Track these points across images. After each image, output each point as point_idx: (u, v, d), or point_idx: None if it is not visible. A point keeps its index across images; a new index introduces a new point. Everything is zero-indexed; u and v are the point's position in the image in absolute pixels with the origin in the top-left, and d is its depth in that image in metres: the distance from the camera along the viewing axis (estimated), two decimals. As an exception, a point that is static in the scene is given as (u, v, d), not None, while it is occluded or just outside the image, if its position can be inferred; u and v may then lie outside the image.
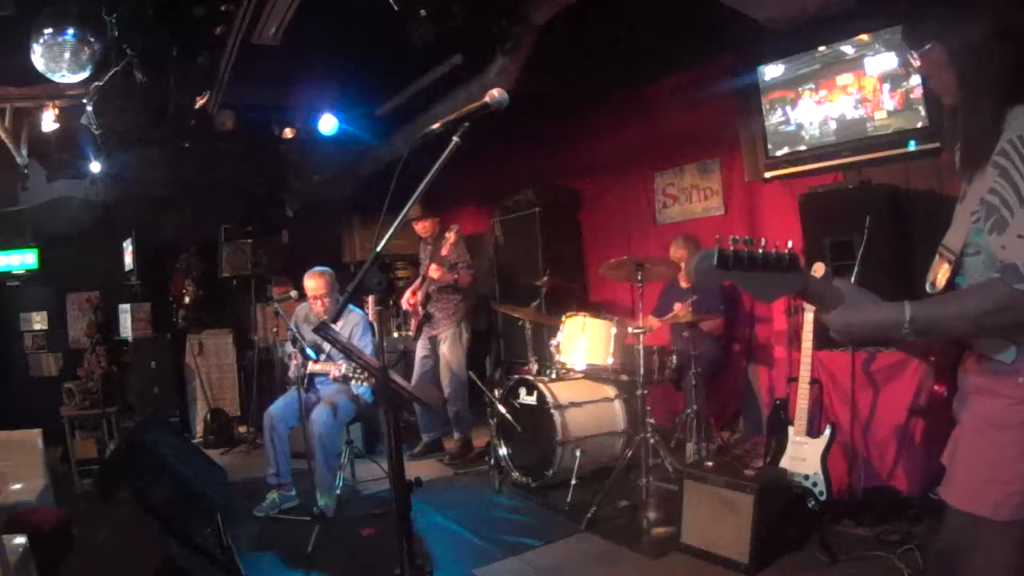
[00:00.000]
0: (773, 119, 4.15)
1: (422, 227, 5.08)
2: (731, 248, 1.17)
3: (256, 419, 5.76)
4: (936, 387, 1.47)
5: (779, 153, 4.16)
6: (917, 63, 1.41)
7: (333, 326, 1.82)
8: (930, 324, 1.25)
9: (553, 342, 4.28)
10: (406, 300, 5.10)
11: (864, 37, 3.67)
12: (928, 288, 1.41)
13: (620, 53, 4.70)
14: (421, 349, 5.05)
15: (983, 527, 1.28)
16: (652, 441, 3.56)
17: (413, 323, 5.11)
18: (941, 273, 1.38)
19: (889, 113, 3.64)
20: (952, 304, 1.29)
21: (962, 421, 1.39)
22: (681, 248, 4.53)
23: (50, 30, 3.26)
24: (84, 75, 3.50)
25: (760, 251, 1.18)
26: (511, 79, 4.13)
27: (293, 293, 4.21)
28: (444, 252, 4.70)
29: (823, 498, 3.09)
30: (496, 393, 4.26)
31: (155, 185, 6.32)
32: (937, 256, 1.41)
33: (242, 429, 6.16)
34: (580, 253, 6.25)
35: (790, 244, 1.21)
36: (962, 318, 1.25)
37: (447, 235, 4.66)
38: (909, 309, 1.23)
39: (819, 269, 3.23)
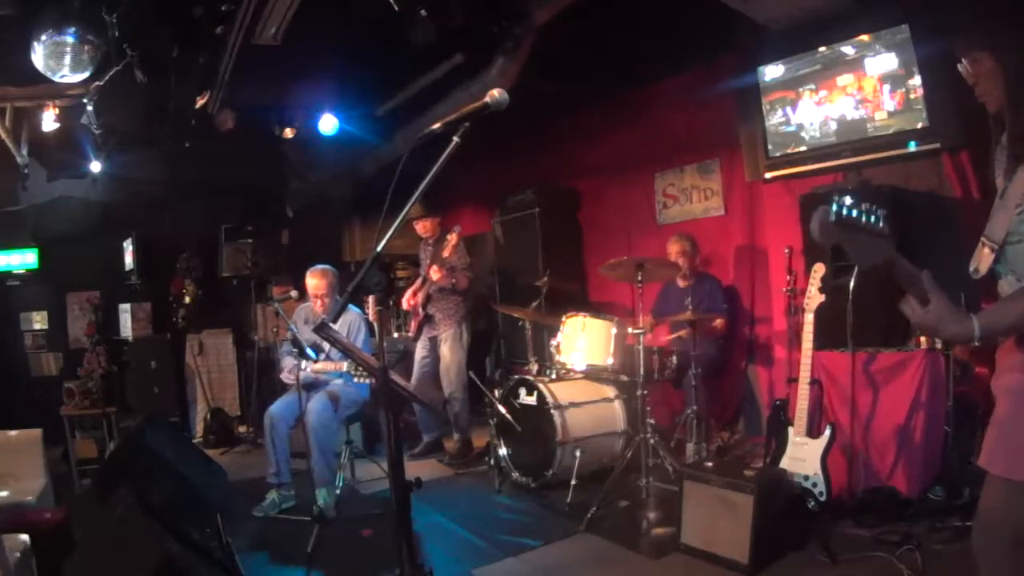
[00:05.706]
0: (773, 120, 4.14)
1: (423, 227, 5.04)
2: (844, 208, 1.23)
3: (256, 419, 5.76)
4: (977, 369, 1.61)
5: (779, 153, 4.15)
6: (967, 70, 1.53)
7: (332, 325, 1.81)
8: (996, 331, 1.41)
9: (553, 342, 4.28)
10: (407, 300, 5.09)
11: (864, 37, 3.67)
12: (972, 273, 1.56)
13: (620, 53, 4.70)
14: (421, 350, 5.04)
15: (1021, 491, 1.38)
16: (652, 441, 3.56)
17: (413, 324, 5.10)
18: (984, 260, 1.52)
19: (889, 114, 3.64)
20: (1012, 310, 1.43)
21: (1000, 397, 1.50)
22: (678, 243, 4.54)
23: (51, 30, 3.26)
24: (84, 75, 3.50)
25: (865, 215, 1.24)
26: (511, 79, 4.13)
27: (293, 293, 4.21)
28: (445, 254, 4.64)
29: (823, 498, 3.09)
30: (496, 393, 4.26)
31: (155, 185, 6.33)
32: (980, 245, 1.53)
33: (242, 429, 6.17)
34: (580, 253, 6.25)
35: (884, 212, 1.27)
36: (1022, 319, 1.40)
37: (449, 237, 4.60)
38: (978, 326, 1.36)
39: (819, 269, 3.23)
